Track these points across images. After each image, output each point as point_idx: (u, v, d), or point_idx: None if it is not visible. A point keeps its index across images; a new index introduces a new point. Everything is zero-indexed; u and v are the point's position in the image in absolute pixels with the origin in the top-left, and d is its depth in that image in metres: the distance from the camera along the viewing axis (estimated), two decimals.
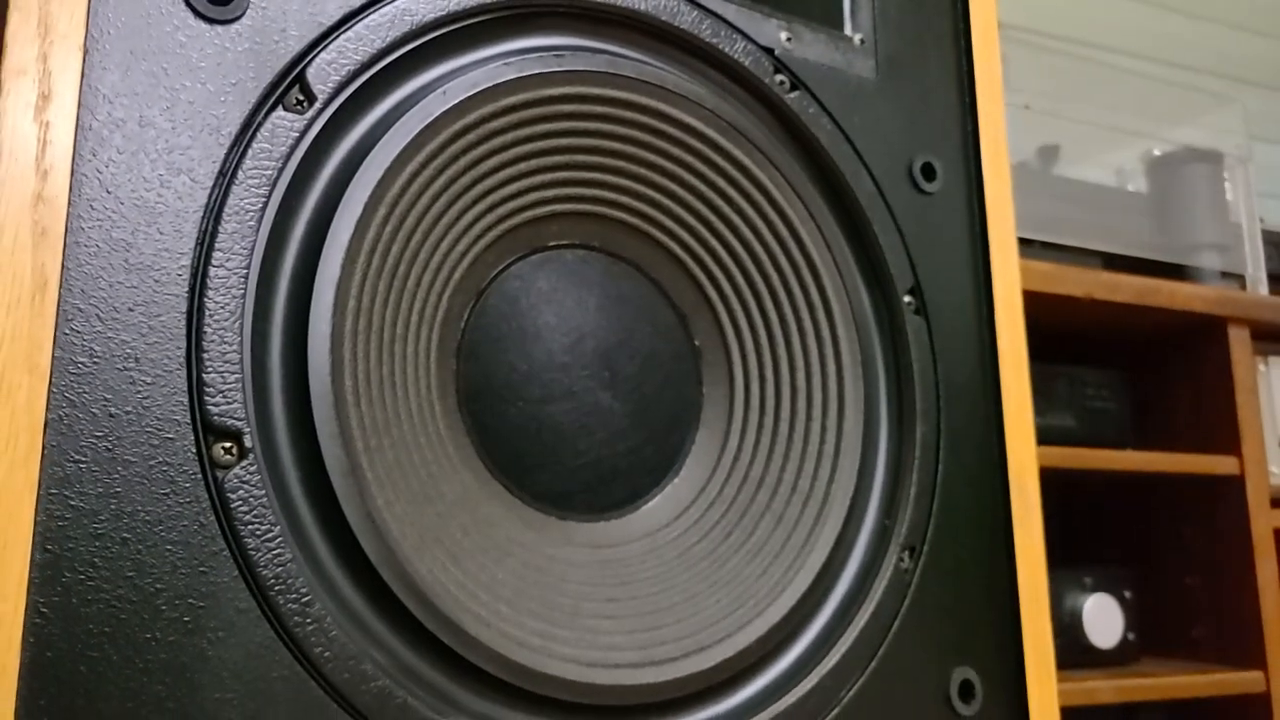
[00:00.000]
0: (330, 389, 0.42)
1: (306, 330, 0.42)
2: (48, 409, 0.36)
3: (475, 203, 0.51)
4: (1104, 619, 1.18)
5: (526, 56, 0.51)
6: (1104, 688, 1.08)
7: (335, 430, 0.42)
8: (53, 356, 0.36)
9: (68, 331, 0.37)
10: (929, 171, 0.62)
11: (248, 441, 0.39)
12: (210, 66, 0.42)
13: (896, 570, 0.54)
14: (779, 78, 0.58)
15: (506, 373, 0.51)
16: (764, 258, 0.58)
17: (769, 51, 0.58)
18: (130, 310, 0.38)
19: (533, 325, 0.52)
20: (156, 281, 0.39)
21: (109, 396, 0.37)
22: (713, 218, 0.57)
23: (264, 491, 0.39)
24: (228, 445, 0.39)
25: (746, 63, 0.57)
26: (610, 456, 0.53)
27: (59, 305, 0.37)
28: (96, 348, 0.37)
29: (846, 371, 0.57)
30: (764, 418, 0.58)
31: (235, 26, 0.42)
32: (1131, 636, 1.20)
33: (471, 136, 0.49)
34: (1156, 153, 1.63)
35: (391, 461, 0.44)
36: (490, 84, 0.49)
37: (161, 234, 0.39)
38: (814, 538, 0.54)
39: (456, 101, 0.48)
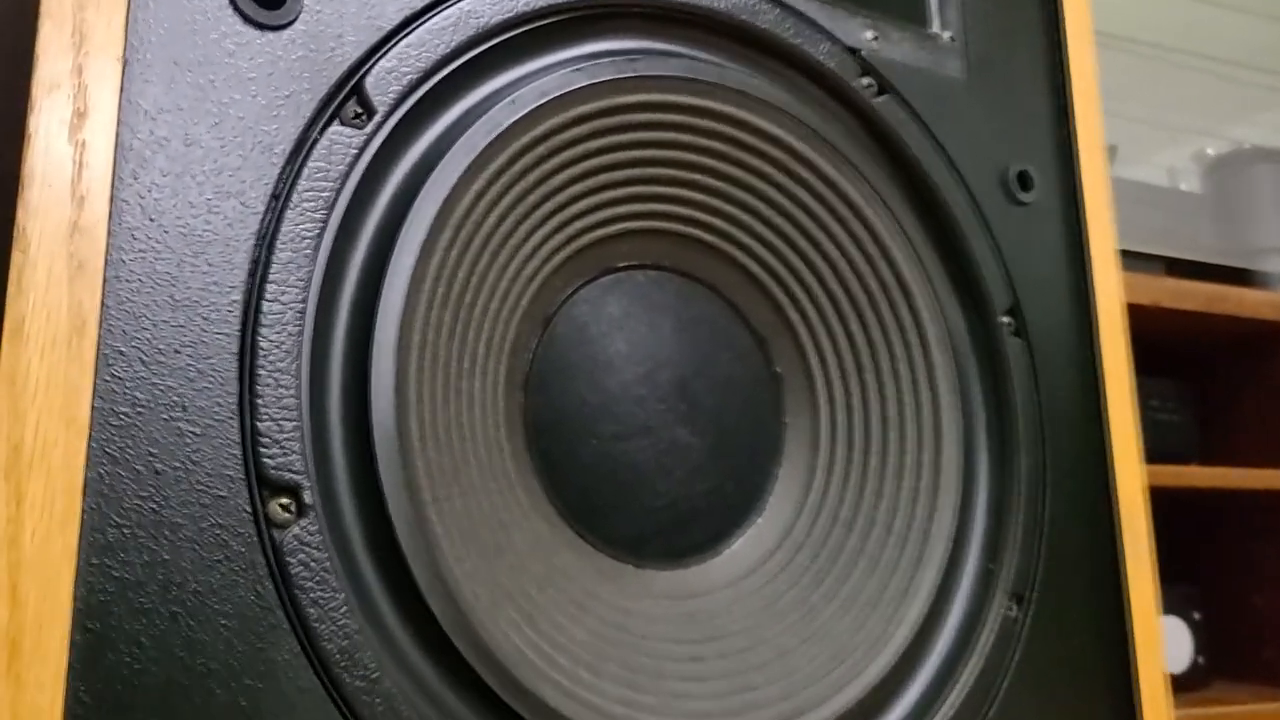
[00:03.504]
0: (395, 434, 0.38)
1: (368, 369, 0.38)
2: (87, 467, 0.32)
3: (543, 222, 0.46)
4: (1173, 642, 1.13)
5: (599, 61, 0.46)
6: (1178, 716, 1.03)
7: (401, 480, 0.37)
8: (92, 406, 0.32)
9: (108, 378, 0.33)
10: (1025, 180, 0.57)
11: (307, 497, 0.35)
12: (261, 77, 0.37)
13: (1004, 620, 0.50)
14: (865, 80, 0.54)
15: (577, 407, 0.47)
16: (849, 276, 0.53)
17: (854, 52, 0.53)
18: (176, 352, 0.34)
19: (604, 354, 0.48)
20: (205, 319, 0.35)
21: (154, 450, 0.33)
22: (794, 233, 0.53)
23: (326, 553, 0.35)
24: (285, 501, 0.35)
25: (831, 65, 0.52)
26: (689, 497, 0.49)
27: (98, 348, 0.33)
28: (140, 395, 0.33)
29: (943, 400, 0.52)
30: (852, 451, 0.53)
31: (287, 33, 0.38)
32: (1201, 660, 1.14)
33: (541, 149, 0.45)
34: (1210, 152, 1.56)
35: (460, 511, 0.40)
36: (561, 92, 0.44)
37: (210, 265, 0.35)
38: (914, 585, 0.49)
39: (526, 111, 0.43)
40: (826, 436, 0.53)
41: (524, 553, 0.43)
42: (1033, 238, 0.57)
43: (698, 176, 0.51)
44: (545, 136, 0.45)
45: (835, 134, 0.52)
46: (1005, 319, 0.55)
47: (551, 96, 0.44)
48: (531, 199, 0.45)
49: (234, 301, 0.35)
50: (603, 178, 0.48)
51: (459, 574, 0.38)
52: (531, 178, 0.45)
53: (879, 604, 0.49)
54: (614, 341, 0.48)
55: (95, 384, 0.32)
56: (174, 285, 0.34)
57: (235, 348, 0.35)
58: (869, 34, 0.54)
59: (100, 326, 0.33)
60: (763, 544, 0.50)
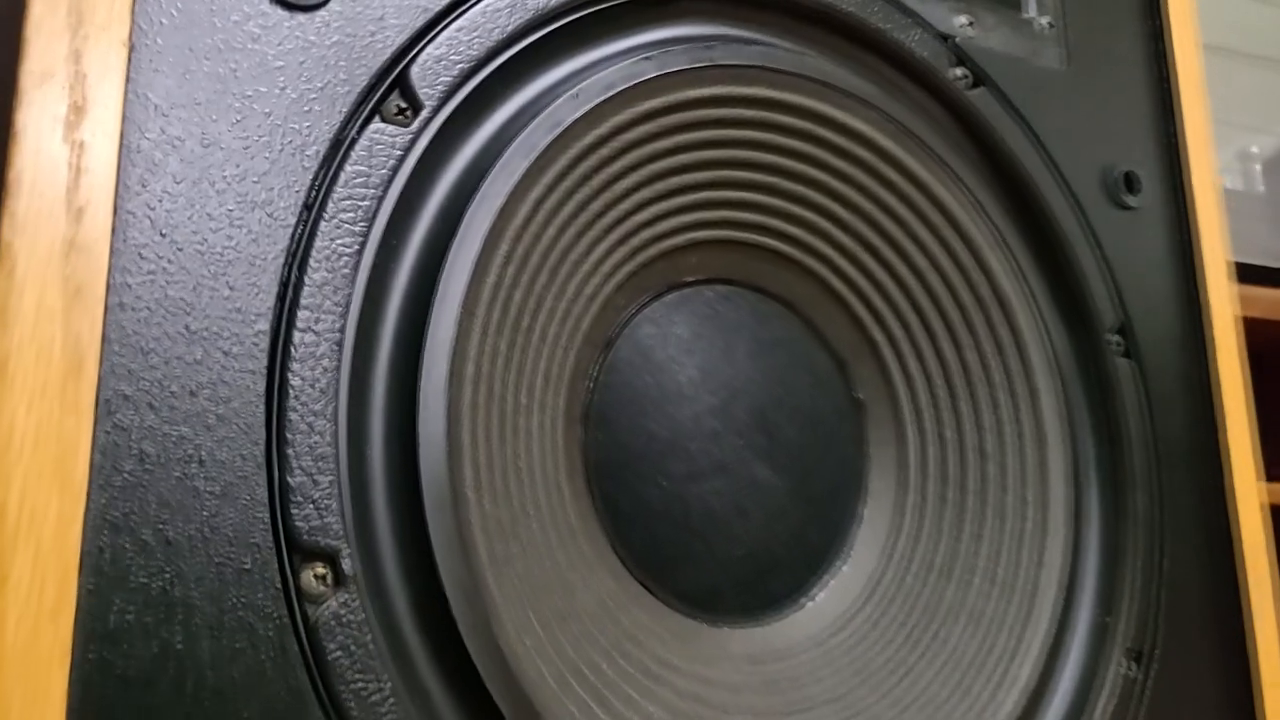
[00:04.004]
0: (447, 486, 0.32)
1: (416, 410, 0.32)
2: (84, 538, 0.26)
3: (606, 233, 0.41)
4: None
5: (670, 49, 0.41)
6: None
7: (455, 540, 0.32)
8: (91, 464, 0.27)
9: (110, 428, 0.27)
10: (1131, 182, 0.51)
11: (346, 564, 0.30)
12: (291, 66, 0.32)
13: (1123, 682, 0.44)
14: (958, 71, 0.48)
15: (644, 443, 0.41)
16: (941, 290, 0.47)
17: (947, 39, 0.48)
18: (192, 394, 0.28)
19: (672, 382, 0.42)
20: (226, 354, 0.29)
21: (165, 516, 0.27)
22: (878, 242, 0.47)
23: (369, 633, 0.29)
24: (321, 571, 0.29)
25: (923, 54, 0.47)
26: (769, 543, 0.43)
27: (99, 392, 0.27)
28: (148, 448, 0.28)
29: (1048, 430, 0.46)
30: (945, 488, 0.47)
31: (321, 14, 0.33)
32: None
33: (605, 150, 0.39)
34: (1254, 149, 1.50)
35: (521, 573, 0.35)
36: (628, 84, 0.39)
37: (232, 289, 0.30)
38: (1023, 644, 0.43)
39: (590, 107, 0.38)
40: (916, 471, 0.47)
41: (590, 616, 0.37)
42: (1139, 246, 0.51)
43: (774, 180, 0.45)
44: (610, 135, 0.39)
45: (926, 131, 0.46)
46: (1113, 338, 0.49)
47: (618, 89, 0.39)
48: (594, 207, 0.40)
49: (260, 332, 0.30)
50: (671, 182, 0.42)
51: (521, 651, 0.33)
52: (595, 183, 0.39)
53: (984, 665, 0.43)
54: (683, 367, 0.43)
55: (94, 436, 0.27)
56: (189, 313, 0.29)
57: (262, 387, 0.29)
58: (962, 19, 0.48)
59: (101, 365, 0.27)
60: (849, 596, 0.45)
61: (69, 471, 0.26)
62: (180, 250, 0.29)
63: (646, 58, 0.39)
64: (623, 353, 0.42)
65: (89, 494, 0.26)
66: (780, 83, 0.43)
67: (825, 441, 0.46)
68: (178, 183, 0.29)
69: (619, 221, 0.41)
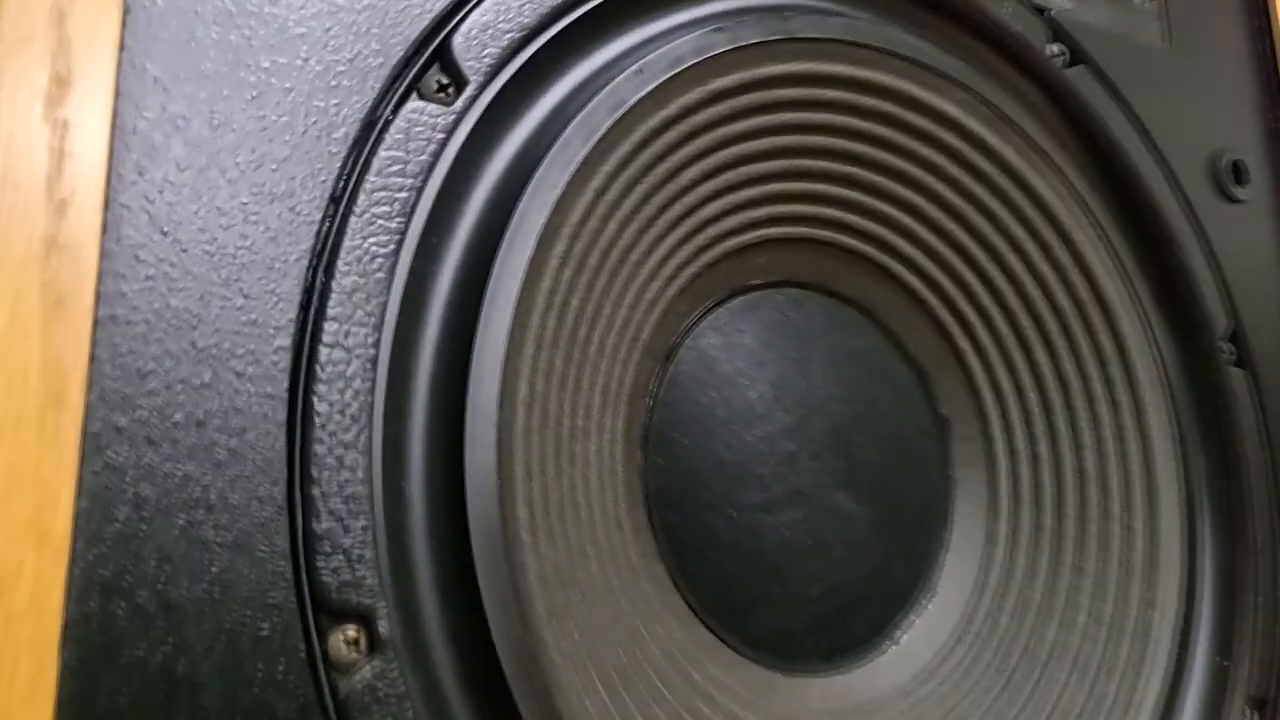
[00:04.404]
0: (499, 528, 0.27)
1: (462, 437, 0.27)
2: (67, 605, 0.21)
3: (670, 229, 0.36)
4: None
5: (742, 19, 0.36)
6: None
7: (508, 591, 0.27)
8: (75, 513, 0.22)
9: (100, 468, 0.22)
10: (1239, 172, 0.46)
11: (383, 625, 0.25)
12: (315, 34, 0.27)
13: None
14: (1055, 48, 0.43)
15: (710, 468, 0.36)
16: (1035, 294, 0.42)
17: (1042, 13, 0.43)
18: (199, 425, 0.24)
19: (741, 398, 0.38)
20: (239, 375, 0.24)
21: (166, 574, 0.23)
22: (967, 241, 0.42)
23: (409, 707, 0.25)
24: (353, 634, 0.25)
25: (1017, 28, 0.42)
26: (850, 580, 0.38)
27: (85, 425, 0.22)
28: (146, 492, 0.23)
29: (1156, 449, 0.41)
30: (1040, 514, 0.42)
31: None
32: None
33: (671, 135, 0.34)
34: None
35: (581, 625, 0.30)
36: (698, 58, 0.34)
37: (247, 298, 0.25)
38: (1137, 693, 0.38)
39: (656, 84, 0.33)
40: (1007, 495, 0.42)
41: (657, 670, 0.32)
42: (1249, 243, 0.46)
43: (852, 170, 0.40)
44: (678, 118, 0.34)
45: (1020, 114, 0.41)
46: (1224, 345, 0.44)
47: (687, 65, 0.34)
48: (657, 200, 0.35)
49: (280, 349, 0.25)
50: (741, 172, 0.37)
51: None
52: (659, 172, 0.34)
53: (1094, 718, 0.38)
54: (753, 382, 0.38)
55: (80, 478, 0.22)
56: (195, 327, 0.24)
57: (282, 415, 0.25)
58: None
59: (88, 392, 0.23)
60: (938, 637, 0.40)
61: (49, 522, 0.21)
62: (185, 251, 0.24)
63: (718, 29, 0.35)
64: (685, 365, 0.37)
65: (73, 549, 0.22)
66: (864, 59, 0.38)
67: (908, 464, 0.41)
68: (181, 170, 0.25)
69: (683, 217, 0.36)
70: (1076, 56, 0.43)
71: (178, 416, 0.23)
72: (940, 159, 0.41)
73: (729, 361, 0.38)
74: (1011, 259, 0.42)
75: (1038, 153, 0.41)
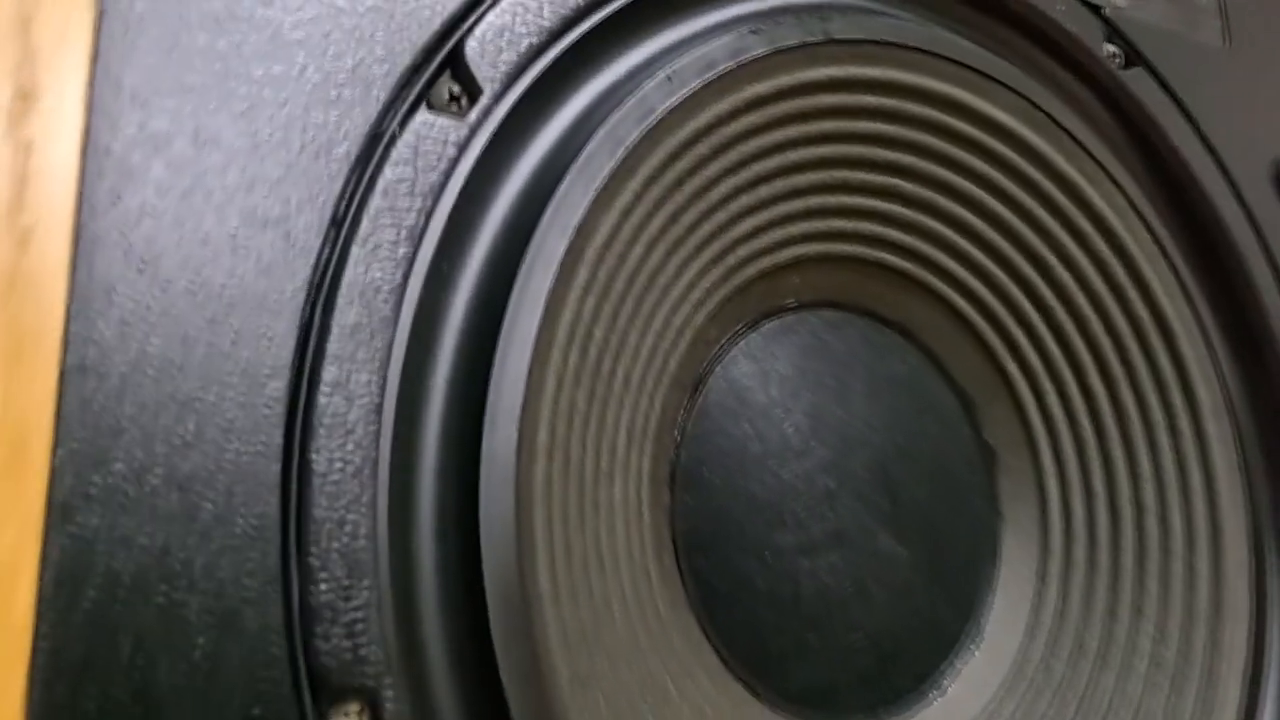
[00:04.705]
0: (518, 588, 0.25)
1: (476, 490, 0.25)
2: (28, 700, 0.19)
3: (700, 249, 0.33)
4: None
5: (780, 19, 0.33)
6: None
7: (528, 661, 0.24)
8: (38, 593, 0.19)
9: (66, 540, 0.20)
10: None
11: (389, 706, 0.22)
12: (314, 40, 0.24)
13: None
14: (1110, 48, 0.40)
15: (743, 508, 0.33)
16: (1090, 314, 0.39)
17: (1096, 10, 0.40)
18: (180, 488, 0.21)
19: (776, 431, 0.35)
20: (227, 429, 0.22)
21: (143, 660, 0.20)
22: (1016, 256, 0.39)
23: None
24: (355, 714, 0.22)
25: (1070, 27, 0.39)
26: (894, 628, 0.35)
27: (51, 490, 0.20)
28: (120, 566, 0.20)
29: (1220, 484, 0.38)
30: (1095, 551, 0.39)
31: None
32: None
33: (702, 147, 0.32)
34: None
35: (608, 692, 0.27)
36: (733, 63, 0.31)
37: (236, 339, 0.22)
38: None
39: (688, 93, 0.30)
40: (1058, 530, 0.40)
41: None
42: None
43: (893, 181, 0.37)
44: (709, 129, 0.31)
45: (1074, 121, 0.38)
46: None
47: (720, 71, 0.31)
48: (687, 218, 0.32)
49: (273, 397, 0.22)
50: (776, 185, 0.34)
51: None
52: (688, 188, 0.32)
53: None
54: (789, 413, 0.35)
55: (44, 553, 0.19)
56: (177, 375, 0.21)
57: (275, 471, 0.22)
58: None
59: (54, 451, 0.20)
60: (987, 687, 0.37)
61: (6, 603, 0.19)
62: (165, 288, 0.22)
63: (754, 30, 0.32)
64: (715, 396, 0.34)
65: (36, 635, 0.19)
66: (909, 62, 0.35)
67: (953, 499, 0.38)
68: (162, 195, 0.22)
69: (714, 235, 0.33)
70: (1132, 58, 0.40)
71: (156, 478, 0.21)
72: (989, 169, 0.38)
73: (762, 391, 0.35)
74: (1064, 276, 0.39)
75: (1093, 162, 0.39)
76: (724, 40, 0.31)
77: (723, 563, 0.33)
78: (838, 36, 0.33)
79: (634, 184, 0.29)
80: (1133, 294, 0.39)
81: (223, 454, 0.21)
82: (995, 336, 0.40)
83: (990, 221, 0.38)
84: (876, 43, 0.34)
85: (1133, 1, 0.41)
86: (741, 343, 0.36)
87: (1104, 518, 0.39)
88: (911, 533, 0.36)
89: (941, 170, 0.37)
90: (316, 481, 0.22)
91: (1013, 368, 0.40)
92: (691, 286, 0.33)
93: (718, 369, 0.35)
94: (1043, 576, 0.39)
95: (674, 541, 0.33)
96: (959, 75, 0.36)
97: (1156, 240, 0.40)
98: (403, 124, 0.25)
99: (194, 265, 0.22)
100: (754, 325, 0.36)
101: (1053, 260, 0.39)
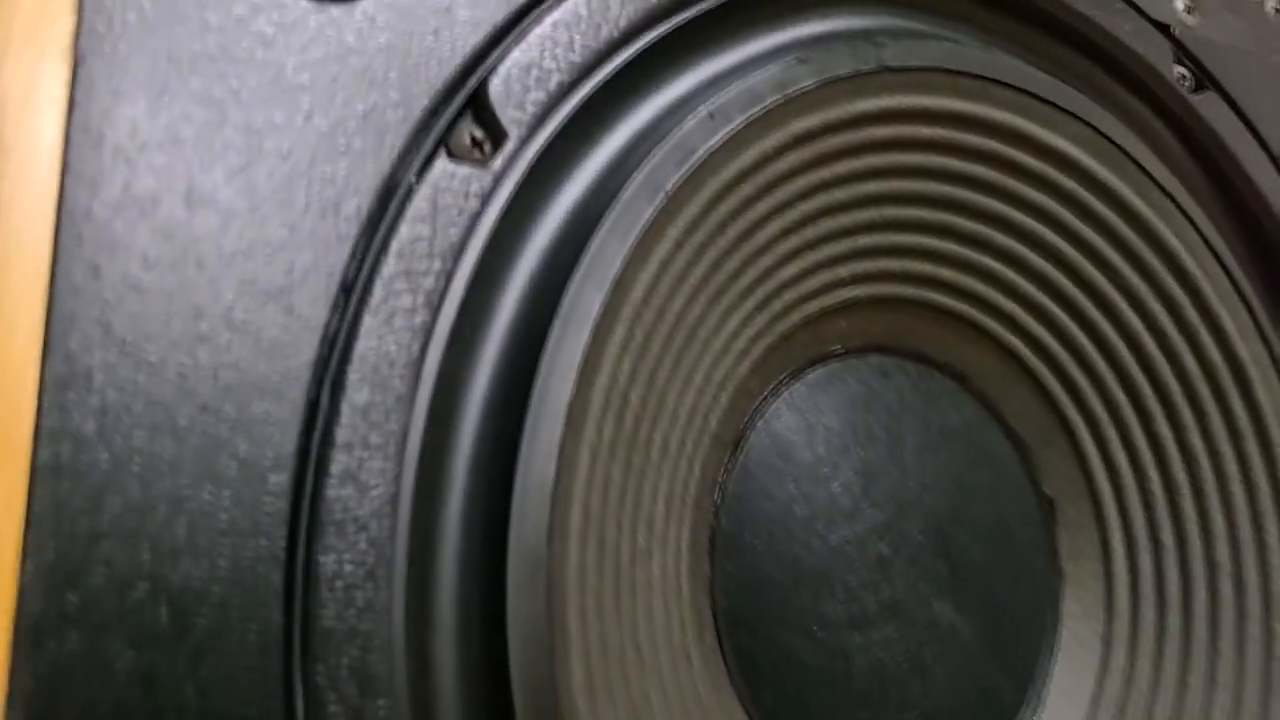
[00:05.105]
0: (551, 696, 0.22)
1: (504, 585, 0.22)
2: None
3: (743, 298, 0.30)
4: None
5: (829, 46, 0.30)
6: None
7: None
8: None
9: (40, 669, 0.17)
10: None
11: None
12: (321, 84, 0.22)
13: None
14: (1179, 71, 0.37)
15: (789, 577, 0.31)
16: (1158, 357, 0.36)
17: (1164, 29, 0.37)
18: (170, 603, 0.18)
19: (823, 492, 0.32)
20: (224, 530, 0.19)
21: None
22: (1079, 296, 0.36)
23: None
24: None
25: (1139, 49, 0.36)
26: (951, 705, 0.32)
27: (18, 610, 0.17)
28: (98, 695, 0.17)
29: None
30: (1164, 613, 0.36)
31: (364, 5, 0.22)
32: None
33: (746, 188, 0.29)
34: None
35: None
36: (780, 96, 0.28)
37: (233, 428, 0.19)
38: None
39: (732, 130, 0.27)
40: (1124, 590, 0.37)
41: None
42: None
43: (949, 218, 0.34)
44: (755, 168, 0.28)
45: (1143, 151, 0.36)
46: None
47: (766, 105, 0.28)
48: (729, 265, 0.29)
49: (275, 491, 0.20)
50: (823, 225, 0.32)
51: None
52: (731, 233, 0.29)
53: None
54: (837, 471, 0.32)
55: (11, 684, 0.17)
56: (166, 471, 0.19)
57: (279, 578, 0.19)
58: (1180, 3, 0.38)
59: (21, 567, 0.17)
60: None
61: None
62: (153, 372, 0.19)
63: (801, 59, 0.29)
64: (757, 453, 0.32)
65: None
66: (968, 91, 0.32)
67: (1012, 558, 0.35)
68: (149, 267, 0.19)
69: (758, 282, 0.30)
70: (1202, 80, 0.37)
71: (141, 591, 0.18)
72: (1051, 203, 0.35)
73: (808, 447, 0.32)
74: (1131, 317, 0.36)
75: (1163, 194, 0.36)
76: (770, 72, 0.28)
77: (767, 638, 0.30)
78: (892, 64, 0.31)
79: (674, 232, 0.27)
80: (1205, 336, 0.36)
81: (218, 560, 0.19)
82: (1055, 381, 0.37)
83: (1051, 259, 0.35)
84: (934, 70, 0.31)
85: (1201, 19, 0.38)
86: (785, 393, 0.33)
87: (1174, 577, 0.37)
88: (969, 599, 0.33)
89: (999, 205, 0.35)
90: (324, 587, 0.19)
91: (1074, 414, 0.37)
92: (734, 337, 0.30)
93: (760, 423, 0.32)
94: (1107, 641, 0.36)
95: (715, 616, 0.30)
96: (1021, 103, 0.33)
97: (1230, 278, 0.37)
98: (420, 175, 0.22)
99: (185, 346, 0.19)
100: (798, 373, 0.33)
101: (1119, 300, 0.36)
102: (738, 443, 0.32)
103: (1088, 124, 0.35)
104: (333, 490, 0.20)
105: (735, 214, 0.29)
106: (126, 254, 0.19)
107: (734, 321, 0.30)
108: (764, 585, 0.30)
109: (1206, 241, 0.36)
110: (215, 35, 0.21)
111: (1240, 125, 0.37)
